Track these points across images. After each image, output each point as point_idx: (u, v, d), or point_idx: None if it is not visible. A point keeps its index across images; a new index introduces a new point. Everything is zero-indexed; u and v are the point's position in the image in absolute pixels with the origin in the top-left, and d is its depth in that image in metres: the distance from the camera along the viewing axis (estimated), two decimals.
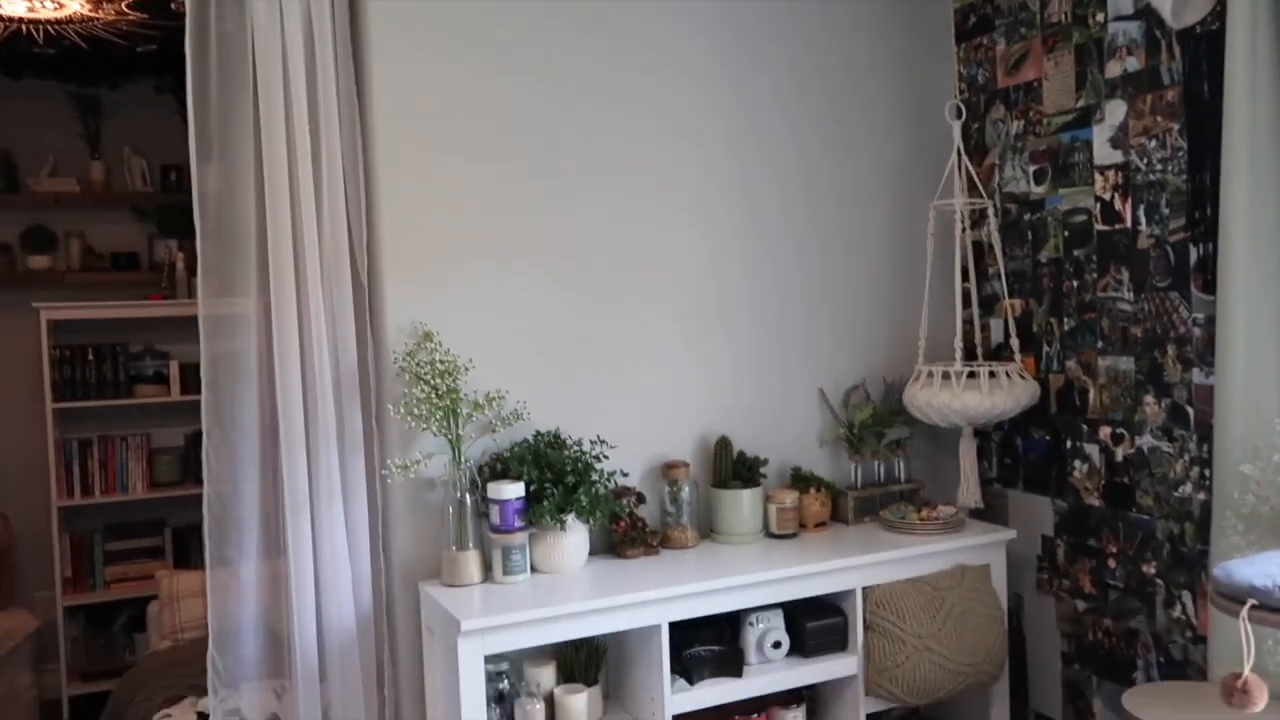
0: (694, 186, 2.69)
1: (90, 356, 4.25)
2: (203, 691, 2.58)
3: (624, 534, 2.50)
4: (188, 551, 4.41)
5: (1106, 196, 2.55)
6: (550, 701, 2.31)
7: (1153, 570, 2.46)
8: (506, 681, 2.29)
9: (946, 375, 2.66)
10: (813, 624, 2.42)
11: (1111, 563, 2.56)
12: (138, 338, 4.41)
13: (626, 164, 2.61)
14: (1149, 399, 2.45)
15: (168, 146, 4.51)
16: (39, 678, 4.03)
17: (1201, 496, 2.33)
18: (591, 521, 2.39)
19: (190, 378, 4.38)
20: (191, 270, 4.39)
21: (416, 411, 2.28)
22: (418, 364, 2.32)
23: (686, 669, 2.32)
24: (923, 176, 2.93)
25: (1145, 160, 2.44)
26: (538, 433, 2.47)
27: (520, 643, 2.13)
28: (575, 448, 2.46)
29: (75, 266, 4.39)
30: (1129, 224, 2.49)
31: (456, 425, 2.32)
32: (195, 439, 4.51)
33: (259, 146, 2.31)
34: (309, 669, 2.29)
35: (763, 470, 2.69)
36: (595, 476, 2.41)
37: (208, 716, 2.39)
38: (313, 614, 2.30)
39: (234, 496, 2.32)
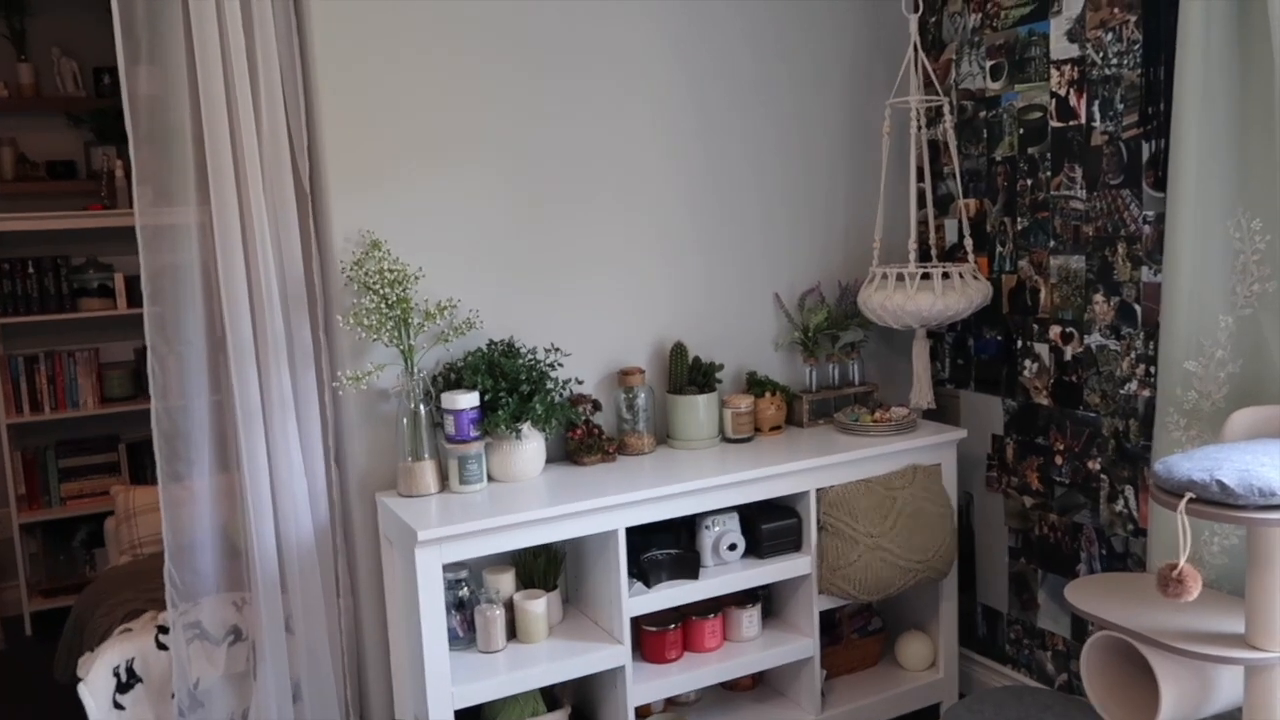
0: (647, 88, 2.62)
1: (31, 269, 4.12)
2: (163, 605, 2.59)
3: (580, 441, 2.50)
4: (143, 467, 4.37)
5: (1062, 92, 2.52)
6: (510, 607, 2.34)
7: (1097, 466, 2.52)
8: (466, 589, 2.31)
9: (901, 277, 2.66)
10: (767, 525, 2.46)
11: (1059, 460, 2.62)
12: (79, 250, 4.28)
13: (578, 62, 2.54)
14: (1099, 298, 2.47)
15: (100, 48, 4.31)
16: None
17: (1146, 394, 2.37)
18: (547, 430, 2.38)
19: (136, 290, 4.26)
20: (132, 179, 4.25)
21: (366, 322, 2.24)
22: (366, 273, 2.27)
23: (644, 573, 2.35)
24: (879, 74, 2.88)
25: (1101, 54, 2.41)
26: (491, 342, 2.45)
27: (478, 551, 2.14)
28: (530, 356, 2.44)
29: (9, 176, 4.21)
30: (1083, 120, 2.47)
31: (408, 335, 2.29)
32: (145, 353, 4.43)
33: (190, 46, 2.21)
34: (269, 580, 2.30)
35: (718, 375, 2.70)
36: (550, 385, 2.41)
37: (164, 628, 2.41)
38: (270, 526, 2.29)
39: (183, 412, 2.28)
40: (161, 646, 2.42)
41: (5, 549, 4.08)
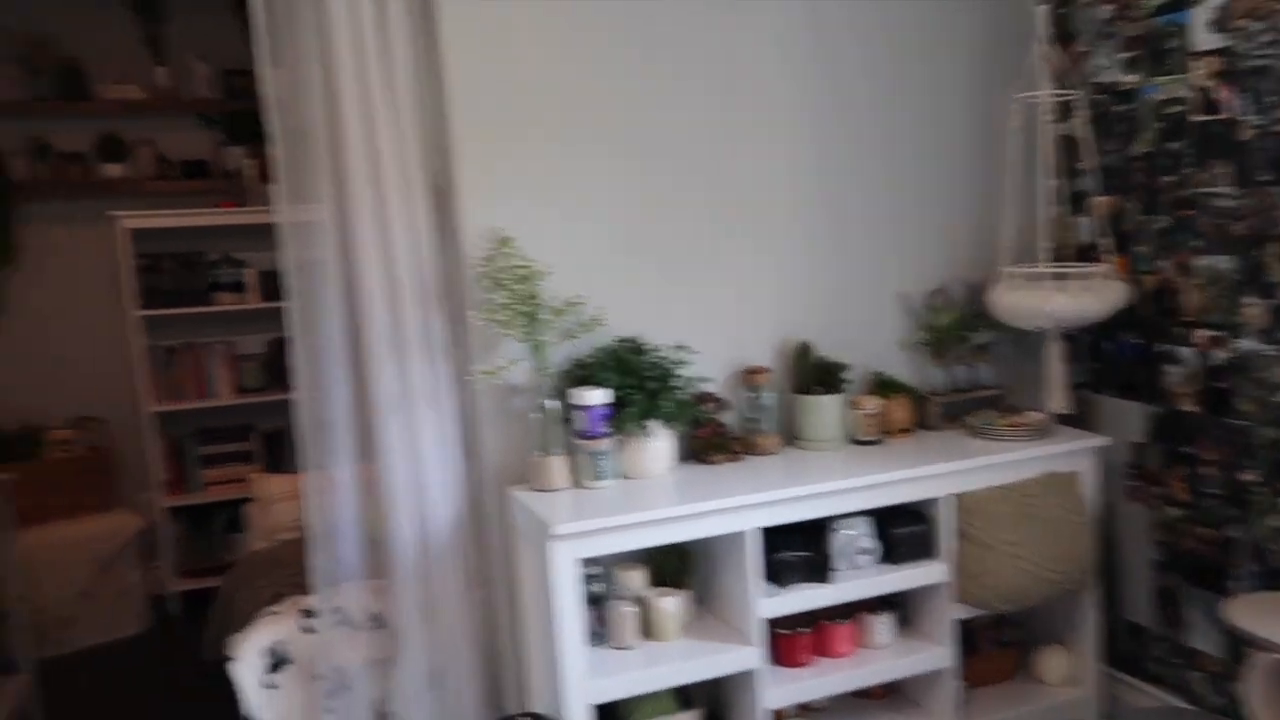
0: (772, 89, 2.61)
1: (171, 265, 4.32)
2: (303, 590, 2.70)
3: (707, 440, 2.51)
4: (276, 455, 4.55)
5: (1206, 85, 2.41)
6: (642, 604, 2.36)
7: (1252, 477, 2.41)
8: (600, 584, 2.34)
9: (1033, 277, 2.59)
10: (899, 530, 2.43)
11: (1208, 469, 2.51)
12: (214, 246, 4.47)
13: (704, 65, 2.54)
14: (1250, 300, 2.36)
15: (232, 51, 4.48)
16: (146, 575, 4.23)
17: None
18: (676, 427, 2.40)
19: (268, 285, 4.45)
20: (262, 178, 4.42)
21: (498, 317, 2.29)
22: (497, 270, 2.32)
23: (775, 574, 2.35)
24: (1006, 67, 2.80)
25: (1249, 44, 2.30)
26: (619, 339, 2.47)
27: (610, 547, 2.16)
28: (656, 354, 2.46)
29: (149, 175, 4.43)
30: (1231, 114, 2.36)
31: (538, 331, 2.33)
32: (277, 345, 4.59)
33: (325, 47, 2.27)
34: (408, 569, 2.37)
35: (844, 376, 2.67)
36: (677, 382, 2.42)
37: (311, 613, 2.50)
38: (408, 516, 2.36)
39: (324, 402, 2.36)
40: (307, 630, 2.51)
41: (152, 532, 4.30)
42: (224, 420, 4.56)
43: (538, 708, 2.39)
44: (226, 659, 2.58)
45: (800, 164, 2.66)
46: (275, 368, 4.56)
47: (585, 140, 2.45)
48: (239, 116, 4.49)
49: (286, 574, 2.96)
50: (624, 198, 2.49)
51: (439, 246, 2.38)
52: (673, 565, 2.45)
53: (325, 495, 2.37)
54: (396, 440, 2.34)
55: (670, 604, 2.35)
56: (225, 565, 4.25)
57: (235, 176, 4.48)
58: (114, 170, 4.34)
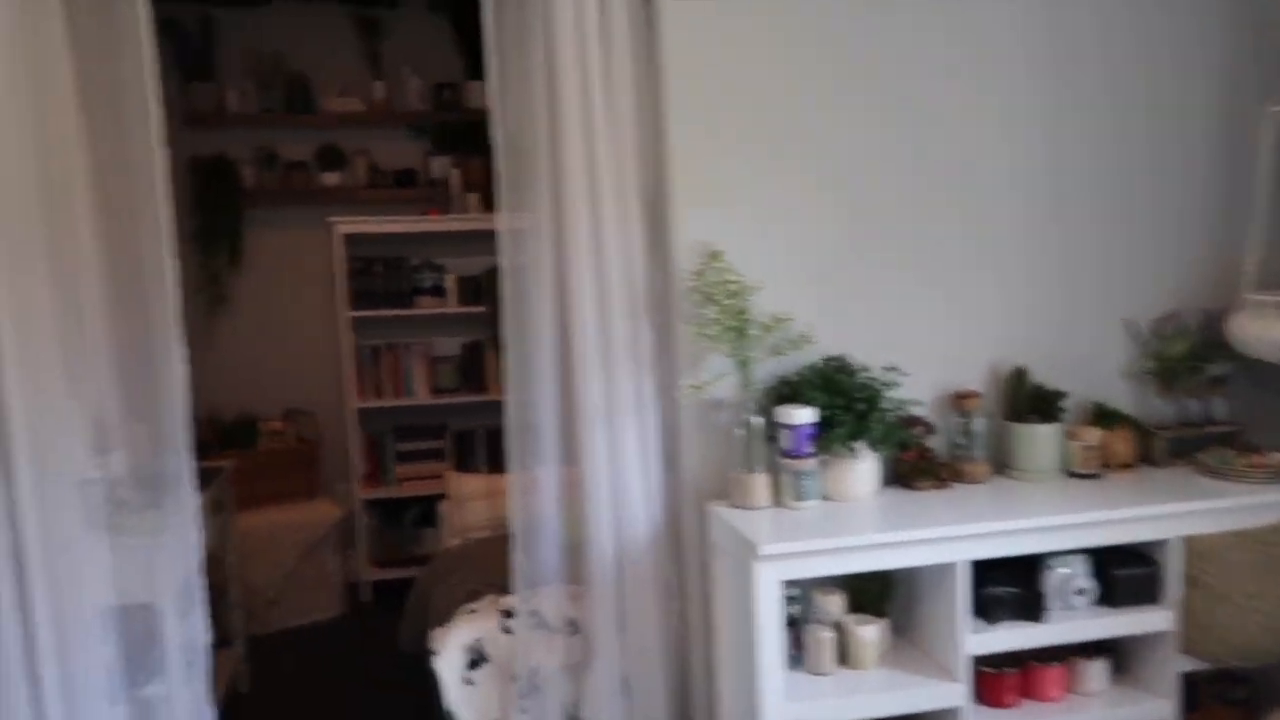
0: (1001, 102, 2.50)
1: (379, 269, 4.55)
2: (501, 590, 2.77)
3: (913, 465, 2.42)
4: (466, 455, 4.71)
5: None
6: (839, 630, 2.30)
7: None
8: (796, 606, 2.30)
9: None
10: (1120, 572, 2.27)
11: None
12: (417, 251, 4.68)
13: (922, 81, 2.46)
14: None
15: (442, 65, 4.70)
16: (343, 562, 4.46)
17: None
18: (883, 450, 2.33)
19: (466, 290, 4.62)
20: (466, 187, 4.60)
21: (709, 332, 2.28)
22: (707, 284, 2.31)
23: (984, 609, 2.24)
24: (1258, 81, 2.59)
25: None
26: (826, 357, 2.42)
27: (815, 570, 2.12)
28: (864, 374, 2.39)
29: (362, 183, 4.68)
30: None
31: (746, 347, 2.31)
32: (471, 348, 4.78)
33: (551, 62, 2.32)
34: (605, 577, 2.38)
35: (1062, 404, 2.52)
36: (885, 404, 2.35)
37: (509, 614, 2.56)
38: (608, 525, 2.38)
39: (533, 406, 2.40)
40: (505, 630, 2.57)
41: (350, 522, 4.53)
42: (419, 419, 4.75)
43: None
44: (425, 652, 2.68)
45: (1025, 179, 2.54)
46: (468, 370, 4.74)
47: (799, 154, 2.41)
48: (446, 127, 4.69)
49: (480, 572, 3.05)
50: (836, 213, 2.44)
51: (649, 259, 2.39)
52: (872, 592, 2.37)
53: (529, 498, 2.42)
54: (600, 448, 2.36)
55: (870, 632, 2.28)
56: (414, 558, 4.44)
57: (440, 185, 4.67)
58: (331, 179, 4.61)
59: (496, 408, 4.67)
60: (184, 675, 2.42)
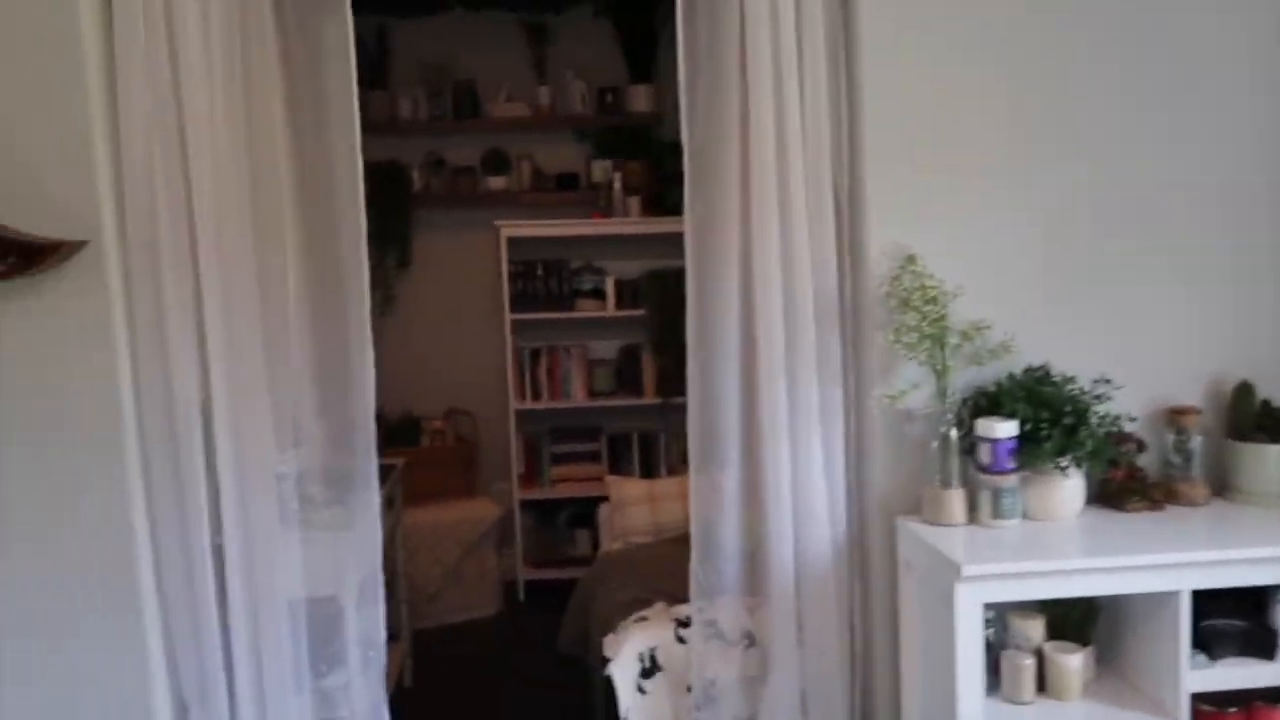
0: (1207, 104, 2.31)
1: (540, 271, 4.59)
2: (668, 597, 2.72)
3: (1122, 484, 2.26)
4: (619, 459, 4.70)
5: None
6: (1039, 657, 2.16)
7: None
8: (992, 629, 2.17)
9: None
10: None
11: None
12: (578, 254, 4.69)
13: (1136, 79, 2.29)
14: None
15: (604, 69, 4.71)
16: (499, 561, 4.51)
17: None
18: (1094, 467, 2.17)
19: (624, 294, 4.62)
20: (628, 190, 4.59)
21: (906, 339, 2.17)
22: (904, 289, 2.21)
23: (1206, 643, 2.06)
24: None
25: None
26: (1027, 368, 2.28)
27: (1020, 594, 1.99)
28: (1071, 386, 2.24)
29: (526, 187, 4.73)
30: None
31: (944, 355, 2.19)
32: (628, 352, 4.78)
33: (744, 62, 2.26)
34: (785, 589, 2.31)
35: None
36: (1095, 419, 2.19)
37: (684, 623, 2.51)
38: (790, 536, 2.30)
39: (716, 415, 2.35)
40: (680, 640, 2.52)
41: (507, 522, 4.58)
42: (575, 421, 4.77)
43: None
44: (584, 655, 2.66)
45: (1243, 181, 2.33)
46: (625, 373, 4.73)
47: (997, 157, 2.28)
48: (608, 131, 4.70)
49: (644, 579, 3.01)
50: (1037, 217, 2.30)
51: (840, 264, 2.31)
52: (1074, 618, 2.22)
53: (712, 509, 2.36)
54: (785, 458, 2.28)
55: (1075, 661, 2.13)
56: (568, 559, 4.46)
57: (601, 189, 4.68)
58: (497, 183, 4.68)
59: (651, 412, 4.72)
60: (362, 667, 2.46)
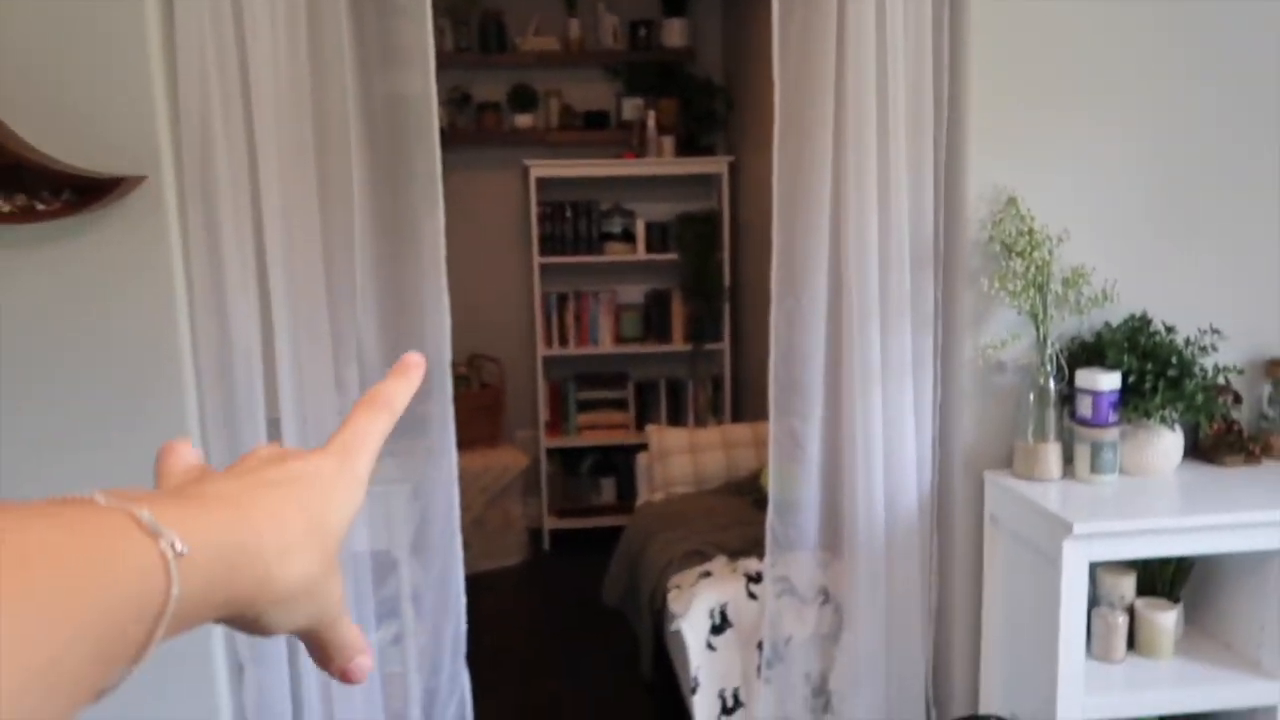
0: None
1: (568, 214, 4.44)
2: (727, 551, 2.65)
3: (1218, 438, 2.19)
4: (646, 406, 4.61)
5: None
6: (1131, 614, 2.10)
7: None
8: None
9: None
10: None
11: None
12: (608, 196, 4.55)
13: (1255, 16, 2.17)
14: None
15: (637, 2, 4.52)
16: (526, 510, 4.43)
17: None
18: (1201, 421, 2.10)
19: (654, 236, 4.49)
20: (661, 129, 4.44)
21: (1010, 287, 2.07)
22: (1007, 234, 2.10)
23: None
24: None
25: None
26: (1129, 317, 2.18)
27: (1127, 552, 1.93)
28: (1173, 336, 2.15)
29: (554, 125, 4.56)
30: None
31: (1045, 303, 2.10)
32: (656, 297, 4.66)
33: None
34: (870, 545, 2.23)
35: None
36: (1200, 371, 2.11)
37: (754, 578, 2.44)
38: (879, 491, 2.23)
39: (800, 365, 2.26)
40: (751, 596, 2.45)
41: (533, 470, 4.49)
42: (601, 368, 4.66)
43: (992, 710, 2.20)
44: (632, 608, 2.59)
45: None
46: (653, 320, 4.62)
47: (1106, 96, 2.17)
48: (640, 68, 4.53)
49: (697, 532, 2.93)
50: (1145, 161, 2.20)
51: (937, 206, 2.20)
52: (1167, 575, 2.16)
53: (792, 461, 2.28)
54: (876, 409, 2.20)
55: (1166, 619, 2.07)
56: (592, 508, 4.38)
57: (632, 128, 4.52)
58: (524, 120, 4.51)
59: (680, 359, 4.61)
60: (416, 618, 2.38)
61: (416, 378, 0.50)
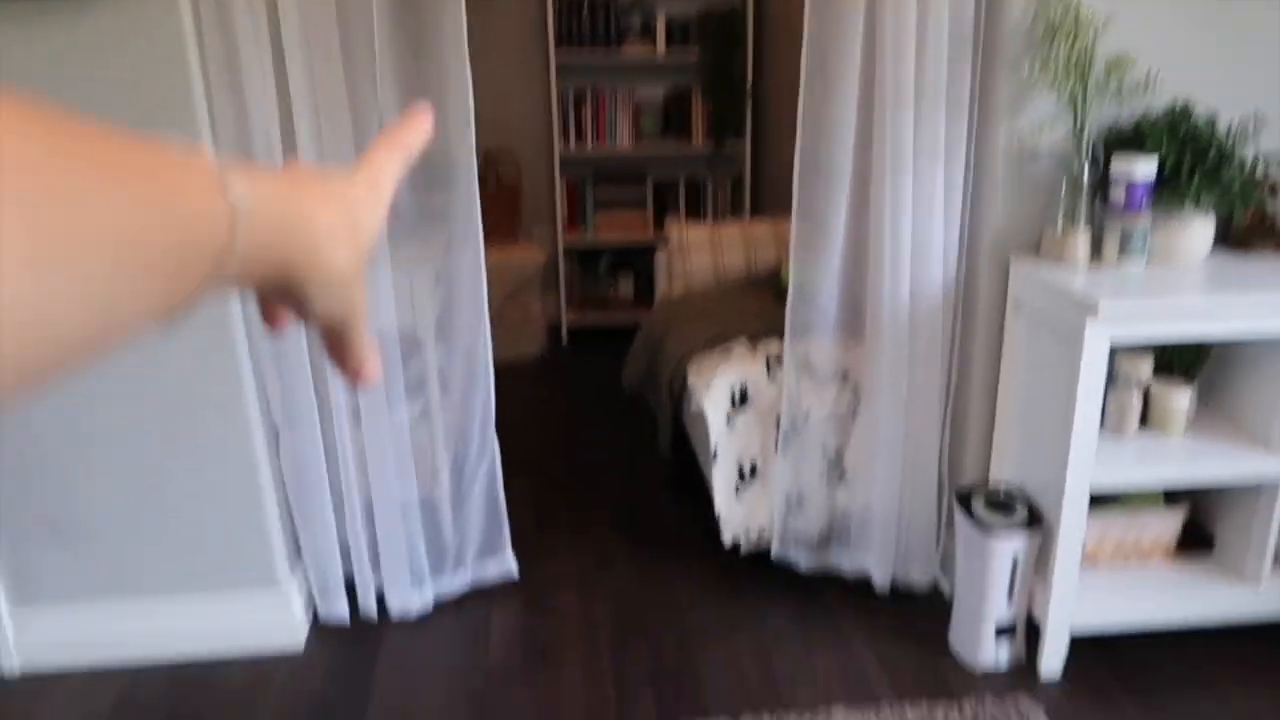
0: None
1: (585, 10, 4.29)
2: (747, 335, 2.71)
3: (1250, 226, 2.21)
4: (664, 207, 4.59)
5: None
6: (1146, 393, 2.18)
7: None
8: None
9: None
10: None
11: None
12: None
13: None
14: None
15: None
16: (544, 305, 4.49)
17: None
18: (1234, 209, 2.11)
19: (675, 34, 4.35)
20: None
21: (1052, 71, 2.04)
22: (1052, 14, 2.05)
23: None
24: None
25: None
26: (1172, 106, 2.16)
27: (1149, 335, 1.97)
28: (1212, 124, 2.13)
29: None
30: None
31: (1086, 90, 2.07)
32: (675, 95, 4.56)
33: None
34: (894, 327, 2.29)
35: None
36: (1239, 161, 2.10)
37: (777, 359, 2.51)
38: (905, 274, 2.26)
39: (829, 150, 2.25)
40: (771, 377, 2.53)
41: (551, 267, 4.52)
42: (619, 167, 4.62)
43: (1002, 484, 2.31)
44: (651, 390, 2.67)
45: None
46: (672, 118, 4.54)
47: None
48: None
49: (718, 322, 2.98)
50: None
51: None
52: (1185, 356, 2.23)
53: (815, 248, 2.30)
54: (906, 194, 2.20)
55: (1181, 398, 2.16)
56: (609, 303, 4.44)
57: None
58: None
59: (698, 160, 4.56)
60: (443, 394, 2.47)
61: (427, 123, 0.52)
